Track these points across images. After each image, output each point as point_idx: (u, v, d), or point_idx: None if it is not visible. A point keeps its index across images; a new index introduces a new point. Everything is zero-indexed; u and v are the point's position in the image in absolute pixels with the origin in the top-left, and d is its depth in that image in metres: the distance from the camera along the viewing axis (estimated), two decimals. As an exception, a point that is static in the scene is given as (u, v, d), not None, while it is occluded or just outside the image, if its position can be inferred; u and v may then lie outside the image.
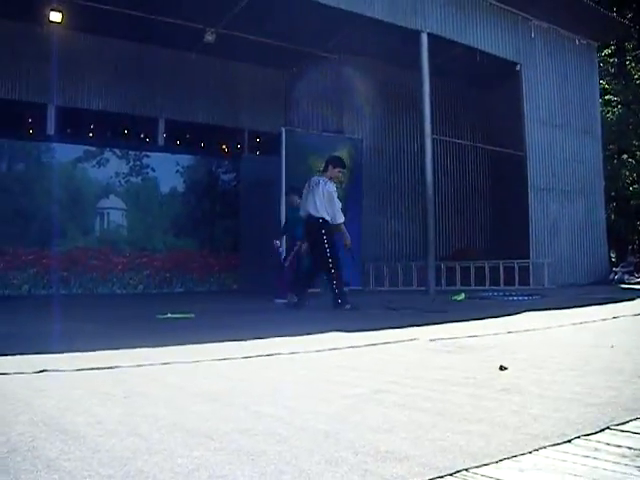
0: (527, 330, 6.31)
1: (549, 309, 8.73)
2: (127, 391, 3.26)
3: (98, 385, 3.45)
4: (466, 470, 1.94)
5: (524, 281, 15.76)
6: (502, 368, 3.84)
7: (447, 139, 17.36)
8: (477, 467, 1.97)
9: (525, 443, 2.22)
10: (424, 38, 14.32)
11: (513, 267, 15.88)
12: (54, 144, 15.39)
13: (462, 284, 16.00)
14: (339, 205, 9.60)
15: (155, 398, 3.09)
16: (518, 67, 16.70)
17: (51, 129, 15.62)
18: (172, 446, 2.21)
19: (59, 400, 3.07)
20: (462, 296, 11.45)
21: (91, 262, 15.24)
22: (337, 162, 10.05)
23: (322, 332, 6.11)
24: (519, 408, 2.77)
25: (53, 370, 3.92)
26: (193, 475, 1.89)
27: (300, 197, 10.42)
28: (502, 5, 16.26)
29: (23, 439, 2.33)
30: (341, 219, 9.53)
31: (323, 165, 10.26)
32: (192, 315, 8.61)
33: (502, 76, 17.47)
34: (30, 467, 1.99)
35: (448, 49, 15.50)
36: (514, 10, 16.59)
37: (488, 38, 15.94)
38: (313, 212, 9.48)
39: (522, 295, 11.89)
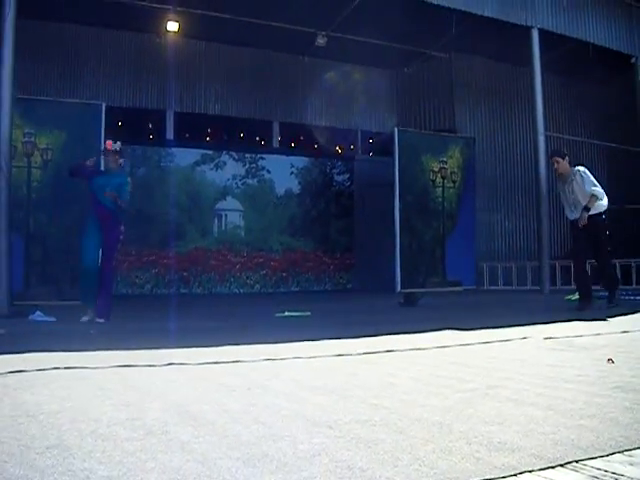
0: (644, 329, 6.22)
1: (668, 309, 8.54)
2: (249, 383, 3.43)
3: (221, 378, 3.65)
4: (576, 462, 2.01)
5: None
6: (610, 361, 3.92)
7: (560, 136, 17.03)
8: (587, 459, 2.03)
9: (637, 438, 2.26)
10: (535, 34, 14.14)
11: (630, 266, 15.46)
12: (173, 149, 15.88)
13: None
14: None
15: (275, 390, 3.25)
16: (633, 60, 16.24)
17: (170, 134, 16.15)
18: (294, 433, 2.36)
19: (187, 390, 3.28)
20: (577, 296, 11.23)
21: (210, 262, 15.67)
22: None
23: (436, 330, 6.18)
24: (632, 405, 2.79)
25: (179, 363, 4.16)
26: (315, 459, 2.03)
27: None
28: (615, -5, 15.90)
29: (157, 424, 2.53)
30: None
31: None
32: (308, 313, 8.79)
33: (616, 69, 16.95)
34: (165, 448, 2.18)
35: (559, 44, 15.16)
36: (627, 0, 16.15)
37: (600, 31, 15.55)
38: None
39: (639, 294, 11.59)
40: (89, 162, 8.21)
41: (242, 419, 2.61)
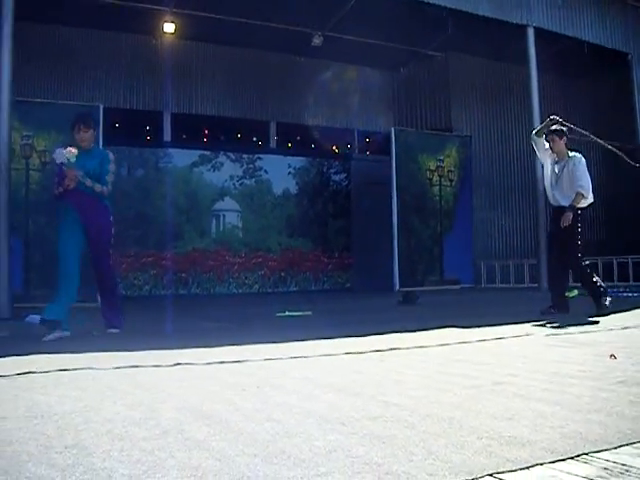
0: (644, 325, 6.29)
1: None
2: (258, 382, 3.48)
3: (230, 377, 3.69)
4: (586, 454, 2.06)
5: (639, 277, 15.39)
6: (612, 356, 3.98)
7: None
8: (597, 452, 2.08)
9: (644, 431, 2.31)
10: (530, 32, 14.19)
11: (627, 263, 15.53)
12: (170, 150, 15.86)
13: (574, 280, 15.72)
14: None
15: (285, 389, 3.29)
16: (629, 57, 16.30)
17: (167, 135, 16.16)
18: (308, 430, 2.40)
19: (197, 390, 3.32)
20: (575, 292, 11.25)
21: (208, 263, 15.67)
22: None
23: (438, 328, 6.23)
24: (637, 399, 2.85)
25: (186, 364, 4.20)
26: (331, 455, 2.07)
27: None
28: (609, -7, 15.95)
29: (172, 423, 2.57)
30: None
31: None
32: (309, 313, 8.83)
33: (612, 67, 17.02)
34: (182, 446, 2.22)
35: (555, 42, 15.25)
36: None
37: (595, 29, 15.60)
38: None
39: (637, 291, 11.64)
40: (69, 181, 6.33)
41: (255, 417, 2.65)
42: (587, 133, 8.73)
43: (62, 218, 6.70)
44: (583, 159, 8.01)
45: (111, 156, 6.72)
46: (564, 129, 8.14)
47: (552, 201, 8.22)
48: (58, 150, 6.37)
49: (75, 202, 6.47)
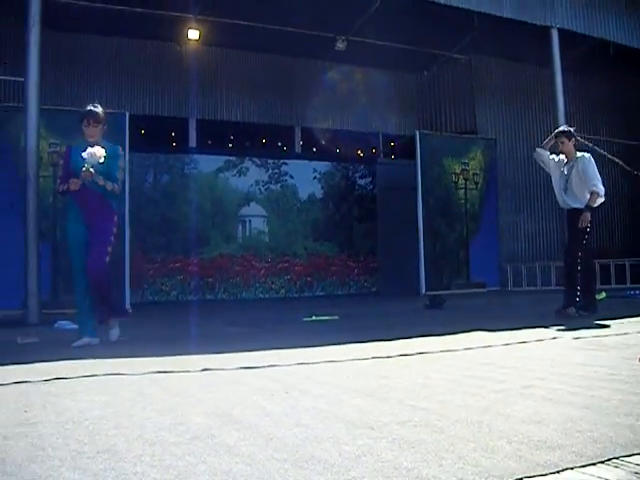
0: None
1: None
2: (286, 387, 3.49)
3: (258, 382, 3.71)
4: (616, 458, 2.05)
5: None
6: None
7: (581, 136, 16.96)
8: (627, 456, 2.08)
9: (674, 435, 2.30)
10: (554, 34, 14.08)
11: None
12: (196, 155, 15.93)
13: (602, 283, 15.58)
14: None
15: (313, 394, 3.30)
16: (655, 57, 16.17)
17: (193, 141, 16.23)
18: (337, 435, 2.41)
19: (226, 395, 3.34)
20: (603, 295, 11.17)
21: (234, 268, 15.70)
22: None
23: (465, 332, 6.21)
24: (667, 403, 2.83)
25: (215, 369, 4.22)
26: (360, 460, 2.08)
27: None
28: (635, -8, 15.77)
29: (201, 428, 2.60)
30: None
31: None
32: (336, 317, 8.84)
33: (637, 67, 16.87)
34: (212, 452, 2.24)
35: (579, 43, 15.13)
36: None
37: (620, 29, 15.44)
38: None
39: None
40: (73, 185, 6.06)
41: (284, 422, 2.66)
42: (591, 145, 8.75)
43: (67, 217, 6.50)
44: (592, 158, 8.04)
45: (120, 151, 6.43)
46: (572, 130, 8.17)
47: (562, 205, 8.24)
48: (91, 152, 5.98)
49: (79, 200, 6.21)
